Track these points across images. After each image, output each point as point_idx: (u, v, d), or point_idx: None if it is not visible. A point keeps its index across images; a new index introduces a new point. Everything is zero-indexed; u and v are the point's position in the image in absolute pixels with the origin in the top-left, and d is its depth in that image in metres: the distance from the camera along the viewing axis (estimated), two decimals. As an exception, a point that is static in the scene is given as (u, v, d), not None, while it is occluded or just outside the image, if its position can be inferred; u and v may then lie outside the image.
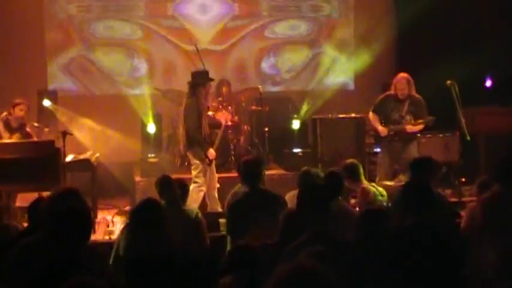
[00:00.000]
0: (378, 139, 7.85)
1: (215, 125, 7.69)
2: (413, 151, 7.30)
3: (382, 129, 7.39)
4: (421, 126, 7.37)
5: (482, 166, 8.25)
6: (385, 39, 9.94)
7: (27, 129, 7.38)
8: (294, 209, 3.91)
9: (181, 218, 4.90)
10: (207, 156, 6.92)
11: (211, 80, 7.31)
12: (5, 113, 7.30)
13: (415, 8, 9.15)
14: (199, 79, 7.06)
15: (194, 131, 6.91)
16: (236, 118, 8.80)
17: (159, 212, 4.23)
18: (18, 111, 7.25)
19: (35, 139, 7.32)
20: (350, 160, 6.02)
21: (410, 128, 7.31)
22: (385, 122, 7.42)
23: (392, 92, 7.43)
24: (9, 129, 7.25)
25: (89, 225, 3.39)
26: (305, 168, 5.61)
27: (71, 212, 3.31)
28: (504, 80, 9.04)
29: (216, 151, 7.11)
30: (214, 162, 7.10)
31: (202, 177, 6.90)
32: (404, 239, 3.80)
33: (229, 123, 8.41)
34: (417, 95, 7.38)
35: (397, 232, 3.89)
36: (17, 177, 6.16)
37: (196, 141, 6.92)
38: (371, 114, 7.56)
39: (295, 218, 3.84)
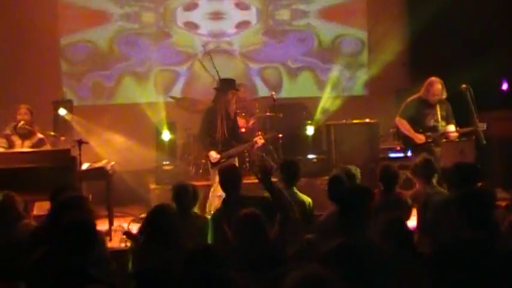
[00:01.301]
0: (408, 145, 7.46)
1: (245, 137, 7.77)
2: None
3: (420, 136, 7.11)
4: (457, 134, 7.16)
5: (498, 171, 8.22)
6: (398, 44, 9.95)
7: (39, 135, 7.31)
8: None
9: (194, 224, 4.98)
10: (207, 157, 7.03)
11: (236, 89, 7.37)
12: (13, 124, 7.28)
13: (428, 13, 9.15)
14: (222, 86, 7.22)
15: (200, 135, 7.24)
16: (251, 124, 8.85)
17: (172, 217, 4.29)
18: (19, 116, 7.20)
19: (48, 145, 7.32)
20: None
21: (454, 135, 7.13)
22: (418, 128, 7.16)
23: (422, 95, 7.16)
24: (19, 135, 7.22)
25: (91, 236, 3.39)
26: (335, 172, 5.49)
27: (72, 225, 3.35)
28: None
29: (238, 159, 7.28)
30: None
31: (216, 182, 6.93)
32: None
33: (243, 129, 8.46)
34: (445, 99, 7.18)
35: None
36: (33, 186, 6.21)
37: (202, 145, 7.16)
38: (400, 120, 7.25)
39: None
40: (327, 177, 8.13)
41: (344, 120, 8.81)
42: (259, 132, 8.34)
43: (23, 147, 7.16)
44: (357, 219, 3.57)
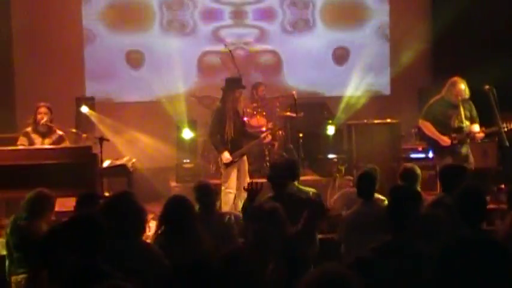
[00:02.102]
0: (433, 147, 7.37)
1: (254, 133, 7.82)
2: (471, 158, 7.11)
3: (445, 138, 7.02)
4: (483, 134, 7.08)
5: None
6: (420, 44, 9.89)
7: (59, 132, 7.29)
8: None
9: (215, 222, 4.98)
10: (221, 159, 7.10)
11: (243, 87, 7.41)
12: (32, 122, 7.26)
13: (451, 13, 9.08)
14: (229, 85, 7.25)
15: (210, 136, 7.32)
16: (271, 124, 8.86)
17: (189, 209, 4.33)
18: (39, 116, 7.17)
19: (67, 142, 7.31)
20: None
21: (480, 136, 7.05)
22: (442, 129, 7.08)
23: (444, 96, 7.10)
24: (39, 133, 7.21)
25: (103, 232, 3.41)
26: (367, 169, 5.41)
27: (83, 221, 3.38)
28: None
29: (248, 158, 7.34)
30: (246, 166, 7.24)
31: (229, 180, 7.05)
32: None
33: (263, 128, 8.48)
34: (468, 100, 7.11)
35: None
36: (55, 182, 6.26)
37: (213, 146, 7.25)
38: (424, 123, 7.19)
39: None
40: (348, 177, 8.28)
41: (365, 120, 8.77)
42: (259, 117, 8.43)
43: (43, 145, 7.15)
44: (407, 219, 3.60)
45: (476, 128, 7.06)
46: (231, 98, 7.15)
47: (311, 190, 5.56)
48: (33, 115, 7.22)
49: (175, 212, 4.32)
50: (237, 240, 5.06)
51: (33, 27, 9.44)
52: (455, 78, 7.09)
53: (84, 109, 8.60)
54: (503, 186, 7.59)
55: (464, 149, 7.09)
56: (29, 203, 4.90)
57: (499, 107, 7.16)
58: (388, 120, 8.67)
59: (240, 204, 7.06)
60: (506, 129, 6.98)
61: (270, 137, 7.52)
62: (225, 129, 7.09)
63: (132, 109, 9.50)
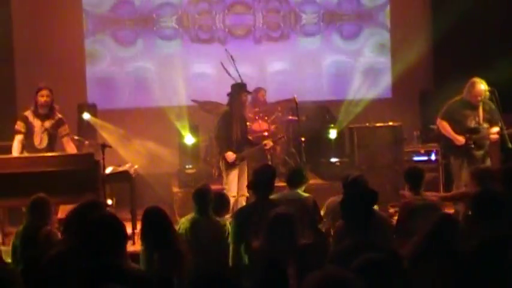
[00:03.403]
0: (449, 147, 7.38)
1: (255, 138, 7.88)
2: (489, 161, 7.10)
3: (460, 138, 7.05)
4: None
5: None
6: (421, 47, 9.90)
7: (59, 115, 7.22)
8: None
9: (211, 228, 5.02)
10: (224, 158, 7.16)
11: (248, 92, 7.52)
12: (31, 108, 7.16)
13: (452, 15, 9.10)
14: (235, 90, 7.36)
15: (216, 138, 7.45)
16: (273, 128, 8.88)
17: (162, 219, 4.34)
18: (41, 98, 7.06)
19: (67, 126, 7.26)
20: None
21: (494, 137, 7.05)
22: (459, 129, 7.10)
23: (464, 97, 7.10)
24: (39, 116, 7.12)
25: (121, 234, 3.41)
26: (353, 175, 5.45)
27: (102, 221, 3.39)
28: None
29: (249, 162, 7.41)
30: (246, 171, 7.28)
31: (231, 184, 7.12)
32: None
33: (265, 133, 8.51)
34: (489, 101, 7.11)
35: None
36: (58, 189, 6.27)
37: (218, 147, 7.39)
38: (441, 122, 7.20)
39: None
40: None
41: (367, 124, 8.78)
42: (260, 122, 8.49)
43: (42, 127, 7.09)
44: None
45: (494, 129, 7.05)
46: (238, 103, 7.28)
47: (305, 195, 5.58)
48: (34, 97, 7.12)
49: (149, 229, 4.31)
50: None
51: (35, 35, 9.48)
52: (474, 79, 7.09)
53: (86, 116, 8.63)
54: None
55: (480, 152, 7.08)
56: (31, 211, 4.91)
57: (501, 108, 7.19)
58: (390, 123, 8.68)
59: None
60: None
61: (271, 143, 7.60)
62: (232, 132, 7.20)
63: (134, 115, 9.52)
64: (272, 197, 5.19)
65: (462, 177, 7.02)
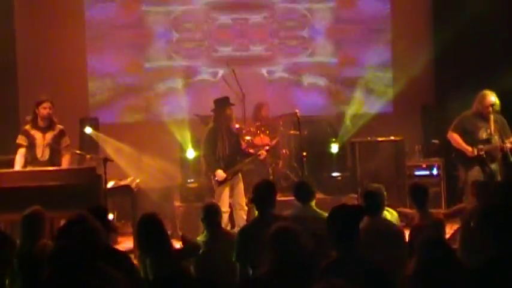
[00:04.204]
0: (461, 160, 7.31)
1: (255, 150, 7.88)
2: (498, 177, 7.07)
3: (470, 149, 7.05)
4: None
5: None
6: (423, 61, 9.91)
7: (59, 126, 7.22)
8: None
9: (223, 242, 4.98)
10: (214, 176, 7.20)
11: (232, 104, 7.54)
12: (29, 117, 7.20)
13: (452, 30, 9.12)
14: (218, 105, 7.41)
15: (204, 156, 7.49)
16: (274, 142, 8.87)
17: (158, 226, 4.35)
18: (43, 110, 7.07)
19: (67, 137, 7.25)
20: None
21: (509, 146, 7.00)
22: (470, 141, 7.08)
23: (475, 109, 7.13)
24: (39, 129, 7.14)
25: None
26: (370, 187, 5.32)
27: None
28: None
29: (248, 176, 7.51)
30: (241, 183, 7.30)
31: (221, 199, 7.13)
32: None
33: (267, 147, 8.49)
34: (499, 114, 7.12)
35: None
36: (60, 203, 6.26)
37: (207, 165, 7.44)
38: (452, 134, 7.21)
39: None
40: (352, 195, 8.27)
41: (369, 138, 8.78)
42: (262, 136, 8.49)
43: (44, 140, 7.11)
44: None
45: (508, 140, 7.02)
46: (223, 117, 7.32)
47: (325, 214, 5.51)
48: (34, 110, 7.13)
49: (144, 236, 4.33)
50: None
51: (37, 50, 9.53)
52: (485, 91, 7.14)
53: (88, 130, 8.62)
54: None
55: (494, 165, 7.09)
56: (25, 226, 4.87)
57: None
58: (392, 138, 8.68)
59: (239, 222, 7.10)
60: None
61: (265, 153, 7.60)
62: (218, 149, 7.25)
63: (136, 129, 9.52)
64: (287, 212, 5.15)
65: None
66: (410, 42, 10.00)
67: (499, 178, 7.08)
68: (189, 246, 4.99)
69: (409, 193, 5.61)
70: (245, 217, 7.23)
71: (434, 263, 3.54)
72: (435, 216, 5.48)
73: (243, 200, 7.27)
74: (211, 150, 7.29)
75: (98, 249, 3.70)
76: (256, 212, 5.10)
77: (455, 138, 7.17)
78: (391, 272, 3.65)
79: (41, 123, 7.14)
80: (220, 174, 7.21)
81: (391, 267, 4.33)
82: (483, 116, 7.09)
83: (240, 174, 7.45)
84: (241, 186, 7.36)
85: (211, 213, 5.14)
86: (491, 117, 7.05)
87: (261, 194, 5.02)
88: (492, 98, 7.04)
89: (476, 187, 5.71)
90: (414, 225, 5.39)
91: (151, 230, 4.38)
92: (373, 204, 4.99)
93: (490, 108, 7.01)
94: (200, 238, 5.22)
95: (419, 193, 5.49)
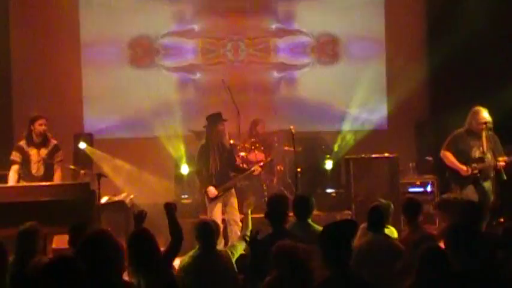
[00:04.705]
0: (455, 179, 7.18)
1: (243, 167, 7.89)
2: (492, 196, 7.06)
3: (465, 168, 6.95)
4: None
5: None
6: (417, 78, 9.96)
7: (54, 141, 7.26)
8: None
9: (216, 261, 4.93)
10: (206, 193, 7.18)
11: (224, 120, 7.51)
12: (24, 134, 7.23)
13: (447, 48, 9.18)
14: (211, 121, 7.39)
15: (196, 172, 7.49)
16: (269, 159, 8.86)
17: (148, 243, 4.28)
18: (39, 127, 7.13)
19: (61, 152, 7.27)
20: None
21: (501, 165, 6.91)
22: (464, 160, 6.99)
23: (468, 127, 7.03)
24: (34, 145, 7.16)
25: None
26: (375, 203, 5.29)
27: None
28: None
29: (236, 191, 7.45)
30: (234, 199, 7.28)
31: (213, 214, 7.08)
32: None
33: (261, 163, 8.49)
34: (491, 132, 7.04)
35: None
36: (53, 218, 6.24)
37: (199, 182, 7.44)
38: (444, 153, 7.10)
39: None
40: (346, 212, 8.26)
41: (363, 155, 8.78)
42: (256, 152, 8.48)
43: (39, 155, 7.14)
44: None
45: (501, 158, 6.96)
46: (215, 133, 7.29)
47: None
48: (29, 126, 7.16)
49: (134, 255, 4.25)
50: (238, 277, 5.00)
51: (32, 66, 9.56)
52: (478, 107, 7.06)
53: (82, 145, 8.61)
54: (502, 220, 7.55)
55: (487, 183, 7.03)
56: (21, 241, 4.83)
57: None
58: (386, 155, 8.68)
59: (233, 237, 7.06)
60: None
61: (259, 169, 7.58)
62: (210, 166, 7.22)
63: (131, 145, 9.51)
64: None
65: None
66: (405, 60, 10.04)
67: (492, 197, 7.05)
68: (174, 243, 4.85)
69: (403, 208, 5.57)
70: (239, 233, 7.18)
71: (435, 274, 3.57)
72: (426, 231, 5.45)
73: (237, 216, 7.24)
74: (204, 166, 7.27)
75: (121, 266, 3.65)
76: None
77: (449, 157, 7.09)
78: None
79: (35, 139, 7.17)
80: (211, 191, 7.19)
81: (391, 284, 4.34)
82: (475, 134, 7.01)
83: (233, 190, 7.42)
84: (233, 201, 7.33)
85: (202, 231, 5.09)
86: (484, 134, 6.97)
87: (276, 210, 5.01)
88: (485, 114, 6.99)
89: (439, 207, 5.71)
90: (402, 239, 5.37)
91: (141, 247, 4.32)
92: (378, 220, 4.99)
93: (484, 126, 6.94)
94: (191, 254, 5.17)
95: (412, 208, 5.49)
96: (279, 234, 4.75)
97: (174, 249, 4.69)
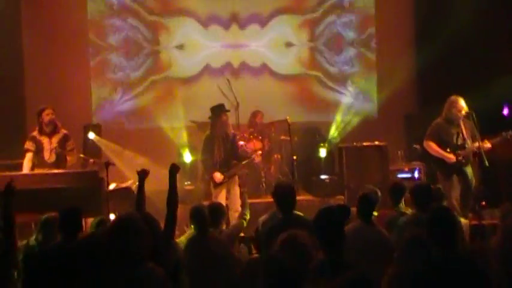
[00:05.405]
0: (439, 168, 7.15)
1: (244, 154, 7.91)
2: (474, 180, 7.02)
3: (450, 156, 6.92)
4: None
5: (503, 191, 8.13)
6: (407, 72, 9.97)
7: (64, 130, 7.31)
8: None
9: (211, 244, 4.95)
10: (212, 179, 7.21)
11: (227, 110, 7.54)
12: (36, 129, 7.27)
13: (435, 45, 9.23)
14: (215, 112, 7.40)
15: (202, 161, 7.52)
16: (267, 147, 8.89)
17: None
18: (46, 117, 7.19)
19: (72, 141, 7.32)
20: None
21: (487, 147, 6.85)
22: (447, 148, 6.95)
23: (446, 116, 6.99)
24: (46, 134, 7.22)
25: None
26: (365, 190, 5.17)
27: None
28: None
29: (243, 179, 7.60)
30: (237, 187, 7.33)
31: (219, 200, 7.05)
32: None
33: (259, 152, 8.51)
34: (467, 119, 6.99)
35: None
36: (64, 205, 6.26)
37: (205, 169, 7.47)
38: (428, 143, 7.06)
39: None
40: (339, 197, 8.29)
41: (355, 143, 8.81)
42: (255, 141, 8.51)
43: (51, 144, 7.19)
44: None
45: (479, 143, 6.88)
46: (219, 124, 7.31)
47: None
48: (38, 118, 7.24)
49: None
50: (236, 257, 5.03)
51: (43, 63, 9.60)
52: (453, 96, 7.04)
53: (91, 135, 8.64)
54: (484, 203, 7.58)
55: (469, 169, 7.02)
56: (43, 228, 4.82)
57: (479, 130, 7.15)
58: (377, 143, 8.70)
59: (233, 221, 7.10)
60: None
61: (260, 157, 7.65)
62: (215, 154, 7.25)
63: (136, 135, 9.54)
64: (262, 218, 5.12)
65: (453, 195, 6.96)
66: (395, 54, 10.06)
67: (474, 181, 7.04)
68: (170, 215, 4.72)
69: (388, 190, 5.55)
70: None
71: (416, 262, 3.51)
72: (405, 212, 5.43)
73: (237, 203, 7.26)
74: (209, 155, 7.30)
75: (146, 249, 3.44)
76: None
77: (433, 146, 7.04)
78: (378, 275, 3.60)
79: (46, 129, 7.23)
80: (218, 176, 7.23)
81: (378, 270, 4.32)
82: (454, 122, 6.98)
83: (236, 178, 7.46)
84: (236, 189, 7.39)
85: (195, 215, 5.11)
86: (462, 122, 6.95)
87: (285, 196, 4.92)
88: (463, 102, 6.97)
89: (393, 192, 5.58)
90: (381, 215, 5.31)
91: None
92: (366, 208, 4.86)
93: (462, 111, 6.90)
94: (186, 235, 5.21)
95: (396, 191, 5.49)
96: (290, 220, 4.73)
97: (171, 221, 4.60)
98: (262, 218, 5.24)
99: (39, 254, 4.43)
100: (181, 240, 5.19)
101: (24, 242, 5.00)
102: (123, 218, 3.56)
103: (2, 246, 4.06)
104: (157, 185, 8.89)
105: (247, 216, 5.87)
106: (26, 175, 6.96)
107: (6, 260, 4.02)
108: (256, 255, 5.21)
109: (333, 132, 9.76)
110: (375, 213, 5.12)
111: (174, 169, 4.68)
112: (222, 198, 7.23)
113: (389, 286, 3.59)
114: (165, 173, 9.03)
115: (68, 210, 4.61)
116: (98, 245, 3.53)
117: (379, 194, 5.20)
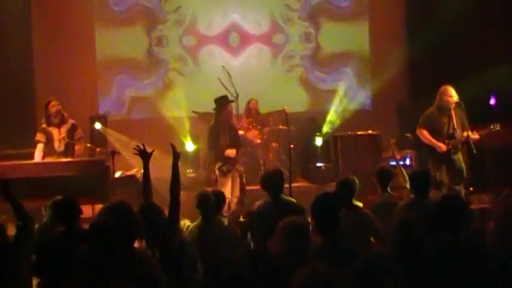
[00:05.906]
0: (430, 156, 7.10)
1: (247, 143, 7.95)
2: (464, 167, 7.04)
3: (441, 145, 6.88)
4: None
5: (489, 179, 8.17)
6: (399, 64, 9.97)
7: (71, 120, 7.32)
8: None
9: (216, 228, 4.98)
10: (227, 156, 7.19)
11: (231, 101, 7.58)
12: (43, 121, 7.31)
13: (426, 38, 9.22)
14: (219, 103, 7.42)
15: (210, 149, 7.55)
16: (265, 136, 8.90)
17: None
18: (52, 108, 7.20)
19: (80, 130, 7.35)
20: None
21: (476, 138, 6.85)
22: (438, 137, 6.92)
23: (438, 104, 6.94)
24: (54, 125, 7.25)
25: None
26: (343, 176, 5.22)
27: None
28: (507, 99, 8.98)
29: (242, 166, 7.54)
30: (238, 178, 7.35)
31: (225, 188, 7.11)
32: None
33: (258, 141, 8.54)
34: (458, 108, 6.96)
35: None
36: (72, 192, 6.27)
37: (214, 156, 7.43)
38: (420, 131, 7.02)
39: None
40: (334, 184, 8.30)
41: (349, 132, 8.82)
42: (254, 130, 8.57)
43: (60, 134, 7.22)
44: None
45: (468, 133, 6.90)
46: (223, 113, 7.34)
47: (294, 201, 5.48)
48: (45, 111, 7.27)
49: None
50: (242, 240, 5.02)
51: (51, 56, 9.62)
52: (444, 86, 7.00)
53: (98, 126, 8.66)
54: (471, 189, 7.61)
55: (459, 156, 7.01)
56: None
57: (468, 118, 7.16)
58: (370, 132, 8.72)
59: (233, 206, 7.16)
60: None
61: (259, 140, 7.77)
62: (220, 142, 7.27)
63: (141, 125, 9.56)
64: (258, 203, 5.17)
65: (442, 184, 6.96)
66: (388, 46, 10.06)
67: (464, 167, 7.06)
68: (174, 201, 4.74)
69: (376, 175, 5.52)
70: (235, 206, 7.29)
71: (409, 245, 3.46)
72: (391, 198, 5.40)
73: (237, 191, 7.33)
74: (216, 143, 7.34)
75: (134, 233, 3.61)
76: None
77: (425, 134, 7.02)
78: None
79: (53, 120, 7.26)
80: (231, 151, 7.24)
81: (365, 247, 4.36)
82: (445, 111, 6.95)
83: (241, 169, 7.49)
84: (237, 179, 7.42)
85: (201, 201, 5.13)
86: (453, 111, 6.94)
87: (274, 181, 5.06)
88: (452, 91, 6.94)
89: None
90: (368, 201, 5.36)
91: (150, 218, 4.30)
92: (348, 193, 4.88)
93: (453, 98, 6.87)
94: (195, 224, 5.22)
95: (383, 176, 5.46)
96: (280, 203, 4.90)
97: (175, 208, 4.64)
98: (258, 202, 5.29)
99: (44, 240, 4.47)
100: (191, 228, 5.18)
101: (36, 226, 5.03)
102: (116, 206, 3.79)
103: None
104: (160, 172, 8.94)
105: (245, 202, 5.91)
106: (36, 163, 7.02)
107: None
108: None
109: (328, 121, 9.76)
110: (360, 204, 5.12)
111: (176, 157, 4.68)
112: (228, 186, 7.25)
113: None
114: (167, 161, 9.08)
115: (60, 201, 4.62)
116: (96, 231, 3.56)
117: (357, 181, 5.09)
